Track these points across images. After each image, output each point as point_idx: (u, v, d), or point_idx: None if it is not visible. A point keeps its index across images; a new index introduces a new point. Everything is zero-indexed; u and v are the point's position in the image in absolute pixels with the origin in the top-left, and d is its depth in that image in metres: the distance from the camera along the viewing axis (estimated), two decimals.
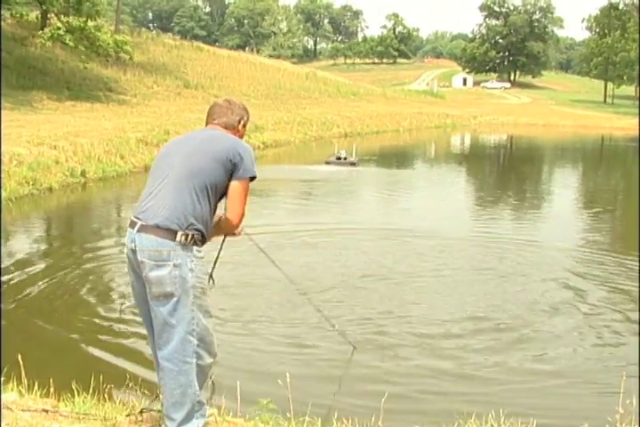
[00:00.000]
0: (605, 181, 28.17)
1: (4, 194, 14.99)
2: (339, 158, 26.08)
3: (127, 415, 4.45)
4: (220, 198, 4.20)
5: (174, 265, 3.85)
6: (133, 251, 3.95)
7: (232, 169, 4.09)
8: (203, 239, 4.04)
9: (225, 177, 4.09)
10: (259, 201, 16.05)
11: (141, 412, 4.46)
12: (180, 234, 3.88)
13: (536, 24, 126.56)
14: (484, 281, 10.41)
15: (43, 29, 36.82)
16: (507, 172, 31.38)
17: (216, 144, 4.18)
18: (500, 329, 8.22)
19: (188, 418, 3.89)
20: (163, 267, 3.85)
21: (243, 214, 4.22)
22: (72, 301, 9.01)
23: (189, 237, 3.91)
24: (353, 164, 25.83)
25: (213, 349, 4.04)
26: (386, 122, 48.33)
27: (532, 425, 4.35)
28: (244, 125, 4.51)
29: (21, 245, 12.22)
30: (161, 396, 4.07)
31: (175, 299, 3.85)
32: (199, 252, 3.98)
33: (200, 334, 3.92)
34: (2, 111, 17.25)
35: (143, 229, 3.92)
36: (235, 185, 4.11)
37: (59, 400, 4.88)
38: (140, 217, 3.98)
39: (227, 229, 4.29)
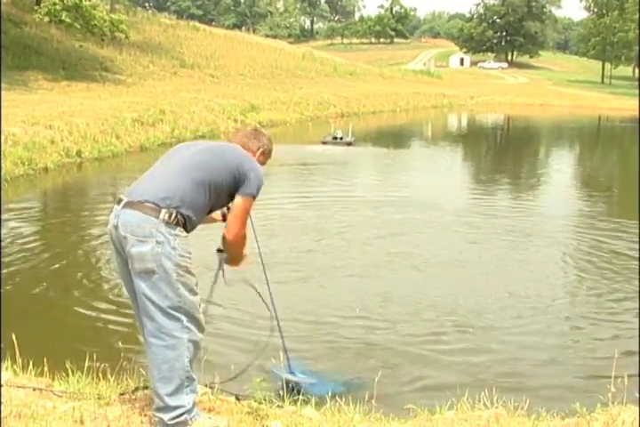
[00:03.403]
0: (602, 160, 28.29)
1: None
2: (335, 138, 26.07)
3: (121, 394, 4.47)
4: (221, 206, 4.23)
5: (157, 242, 3.81)
6: (116, 227, 3.91)
7: (239, 180, 4.07)
8: (187, 225, 3.96)
9: (230, 182, 4.06)
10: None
11: (135, 390, 4.47)
12: (163, 211, 3.84)
13: (534, 4, 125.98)
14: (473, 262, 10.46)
15: (39, 5, 36.59)
16: (503, 151, 31.37)
17: (231, 151, 4.22)
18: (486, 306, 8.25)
19: (176, 393, 3.86)
20: (145, 243, 3.81)
21: (240, 235, 4.15)
22: (67, 281, 9.00)
23: (172, 215, 3.86)
24: (349, 144, 25.81)
25: (202, 324, 4.01)
26: (383, 102, 48.22)
27: (524, 404, 4.37)
28: (263, 154, 4.47)
29: (17, 225, 12.19)
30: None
31: (157, 275, 3.80)
32: (182, 231, 3.91)
33: (187, 310, 3.89)
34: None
35: (128, 204, 3.88)
36: (237, 201, 4.08)
37: (53, 379, 4.89)
38: (127, 195, 3.96)
39: (225, 245, 4.24)
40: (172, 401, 3.87)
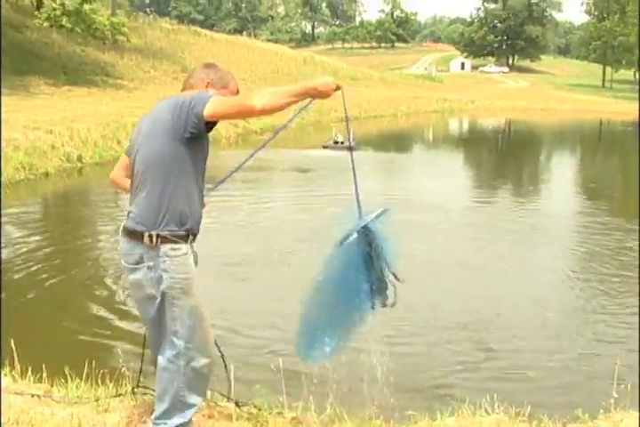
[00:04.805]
0: (603, 164, 28.31)
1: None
2: (336, 142, 26.08)
3: (117, 395, 4.44)
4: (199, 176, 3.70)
5: (148, 267, 3.62)
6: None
7: (185, 120, 3.48)
8: (181, 234, 3.63)
9: (177, 142, 3.54)
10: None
11: (133, 392, 4.44)
12: (146, 236, 3.59)
13: (535, 8, 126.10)
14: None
15: (39, 10, 36.63)
16: (504, 156, 31.38)
17: (159, 115, 3.65)
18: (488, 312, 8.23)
19: (166, 414, 3.75)
20: (138, 270, 3.67)
21: (258, 108, 3.39)
22: (67, 287, 8.99)
23: (154, 237, 3.57)
24: (351, 148, 25.75)
25: (207, 348, 3.76)
26: (384, 106, 48.20)
27: (525, 411, 4.34)
28: (212, 86, 3.80)
29: (17, 230, 12.17)
30: None
31: (158, 300, 3.65)
32: (174, 250, 3.59)
33: (186, 335, 3.67)
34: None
35: (123, 231, 3.73)
36: (206, 109, 3.42)
37: (52, 385, 4.86)
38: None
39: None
40: (161, 417, 3.78)
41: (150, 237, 3.58)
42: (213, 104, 3.42)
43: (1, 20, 32.41)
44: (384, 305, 3.74)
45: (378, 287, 3.71)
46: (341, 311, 3.73)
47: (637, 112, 47.09)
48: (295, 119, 4.10)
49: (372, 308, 3.71)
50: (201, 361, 3.71)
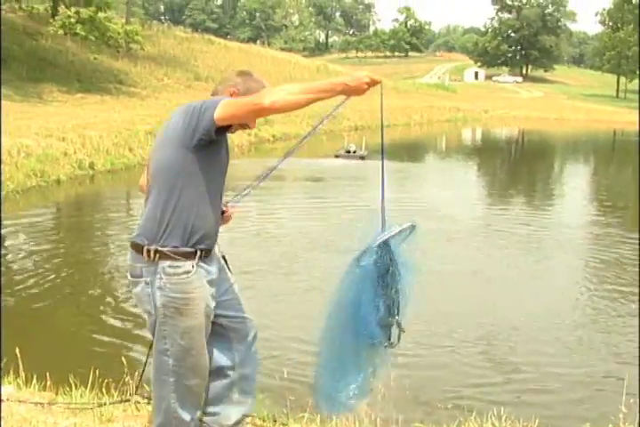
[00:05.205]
0: (617, 175, 28.21)
1: (11, 186, 15.05)
2: (348, 152, 26.13)
3: (121, 402, 4.41)
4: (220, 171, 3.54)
5: (145, 283, 3.46)
6: None
7: (195, 126, 3.31)
8: (185, 252, 3.42)
9: (185, 150, 3.37)
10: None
11: (128, 400, 4.39)
12: (145, 250, 3.42)
13: (549, 18, 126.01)
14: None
15: (54, 18, 36.84)
16: (518, 166, 31.31)
17: (171, 122, 3.48)
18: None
19: (163, 425, 3.62)
20: (138, 284, 3.51)
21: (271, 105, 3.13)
22: (74, 295, 8.98)
23: (152, 253, 3.40)
24: (362, 157, 25.77)
25: (200, 370, 3.59)
26: (397, 115, 48.12)
27: (533, 424, 4.28)
28: (236, 95, 3.57)
29: (27, 237, 12.18)
30: None
31: (153, 317, 3.51)
32: (173, 267, 3.41)
33: (176, 354, 3.50)
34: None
35: (130, 242, 3.58)
36: (216, 113, 3.26)
37: (57, 394, 4.83)
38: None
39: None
40: None
41: (149, 251, 3.42)
42: (223, 106, 3.26)
43: (0, 24, 32.49)
44: (385, 344, 3.48)
45: (385, 322, 3.44)
46: (354, 347, 3.48)
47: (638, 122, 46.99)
48: (327, 121, 3.84)
49: (373, 345, 3.47)
50: (192, 381, 3.56)
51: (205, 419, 3.82)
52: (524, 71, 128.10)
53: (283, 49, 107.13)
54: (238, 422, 3.88)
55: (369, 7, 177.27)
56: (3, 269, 9.64)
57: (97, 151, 19.79)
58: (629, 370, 5.98)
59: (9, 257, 10.46)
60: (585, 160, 34.53)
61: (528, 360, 7.11)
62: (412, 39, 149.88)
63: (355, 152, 26.10)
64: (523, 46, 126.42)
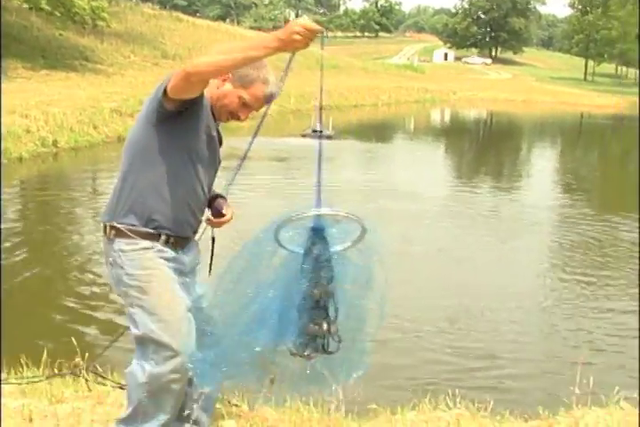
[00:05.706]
0: (583, 156, 28.49)
1: None
2: (314, 131, 26.03)
3: (70, 373, 4.38)
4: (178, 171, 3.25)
5: (110, 263, 3.26)
6: None
7: (154, 97, 3.15)
8: (145, 232, 3.21)
9: (149, 126, 3.20)
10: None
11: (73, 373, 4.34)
12: (103, 226, 3.27)
13: (518, 0, 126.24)
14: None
15: None
16: (485, 147, 31.43)
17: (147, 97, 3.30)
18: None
19: (126, 421, 3.37)
20: (107, 265, 3.33)
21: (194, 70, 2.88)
22: (30, 274, 8.84)
23: (108, 229, 3.23)
24: (329, 137, 25.71)
25: (167, 355, 3.17)
26: (365, 96, 48.09)
27: (488, 405, 4.28)
28: (229, 83, 3.33)
29: None
30: None
31: (124, 299, 3.29)
32: (129, 244, 3.19)
33: (143, 337, 3.19)
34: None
35: None
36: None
37: (8, 374, 4.74)
38: None
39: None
40: (121, 422, 3.40)
41: (105, 228, 3.24)
42: (172, 77, 3.00)
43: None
44: (309, 355, 2.93)
45: (312, 331, 2.89)
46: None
47: (619, 106, 47.35)
48: (282, 84, 3.33)
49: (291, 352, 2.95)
50: (162, 368, 3.17)
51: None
52: (493, 53, 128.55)
53: (252, 27, 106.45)
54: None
55: None
56: None
57: (60, 128, 19.53)
58: (584, 353, 6.02)
59: None
60: (552, 142, 34.74)
61: (489, 345, 7.14)
62: (382, 19, 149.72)
63: (321, 131, 26.02)
64: (492, 28, 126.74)
